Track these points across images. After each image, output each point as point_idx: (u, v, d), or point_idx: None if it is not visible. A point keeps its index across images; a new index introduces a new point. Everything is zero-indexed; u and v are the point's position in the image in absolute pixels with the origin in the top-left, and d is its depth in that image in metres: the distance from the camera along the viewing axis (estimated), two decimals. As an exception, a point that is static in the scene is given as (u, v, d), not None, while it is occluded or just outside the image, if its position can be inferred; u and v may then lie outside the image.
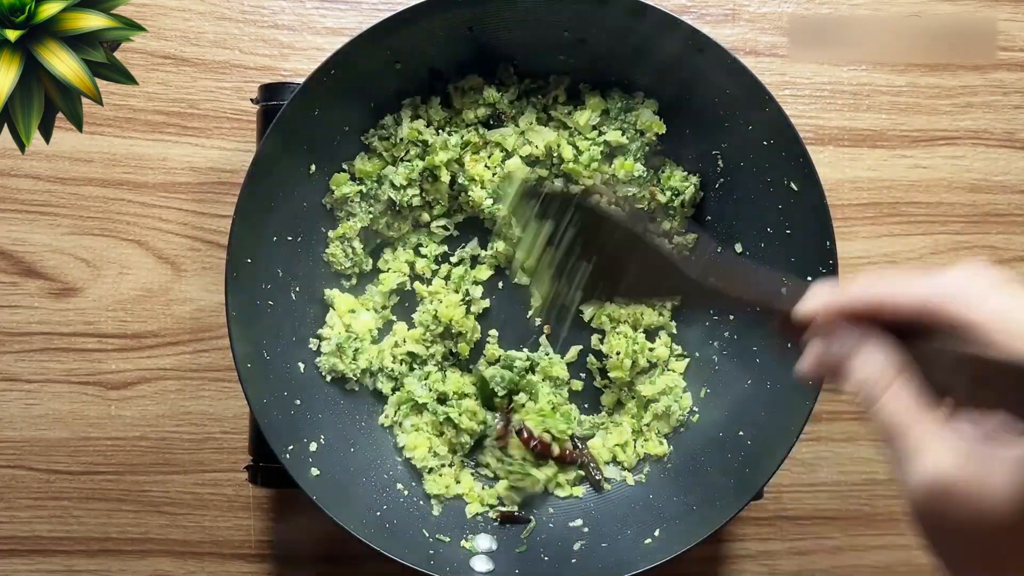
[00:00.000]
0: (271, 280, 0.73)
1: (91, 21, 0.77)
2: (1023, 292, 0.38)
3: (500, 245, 0.78)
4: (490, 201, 0.76)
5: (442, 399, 0.77)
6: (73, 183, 0.80)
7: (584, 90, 0.78)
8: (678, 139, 0.77)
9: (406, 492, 0.76)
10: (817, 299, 0.44)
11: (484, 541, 0.75)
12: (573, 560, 0.73)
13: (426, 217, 0.79)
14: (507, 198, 0.68)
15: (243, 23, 0.81)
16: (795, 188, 0.70)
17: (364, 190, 0.76)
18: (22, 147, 0.79)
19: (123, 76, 0.79)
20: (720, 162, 0.76)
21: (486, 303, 0.79)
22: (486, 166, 0.77)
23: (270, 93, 0.74)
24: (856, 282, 0.43)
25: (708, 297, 0.51)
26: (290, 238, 0.74)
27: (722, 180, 0.76)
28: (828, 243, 0.69)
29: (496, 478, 0.78)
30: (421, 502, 0.76)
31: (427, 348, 0.78)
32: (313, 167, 0.74)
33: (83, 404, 0.80)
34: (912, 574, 0.82)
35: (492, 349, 0.79)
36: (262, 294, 0.72)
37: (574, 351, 0.80)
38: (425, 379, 0.78)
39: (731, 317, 0.77)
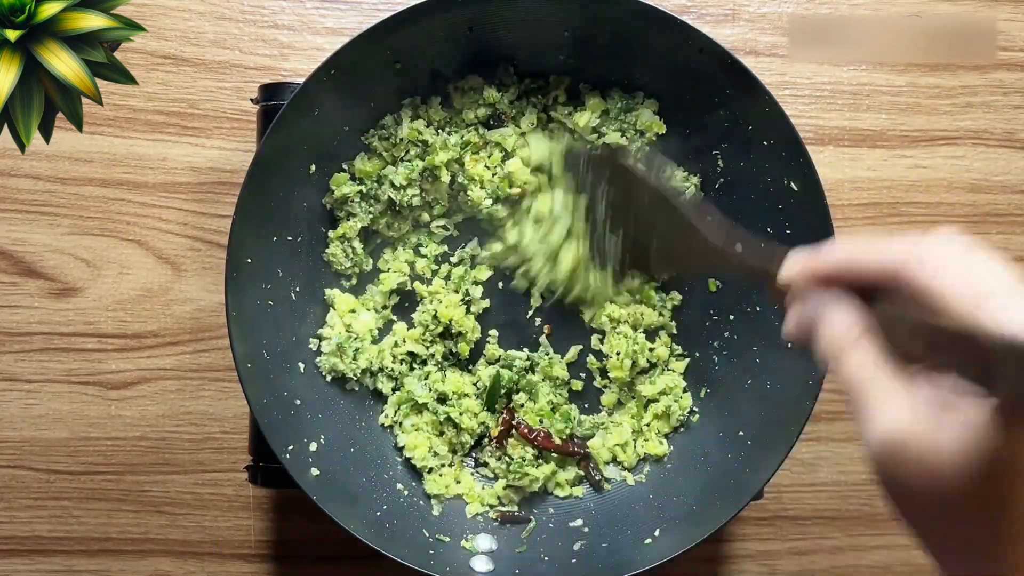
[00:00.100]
0: (271, 280, 0.73)
1: (91, 21, 0.77)
2: (988, 260, 0.38)
3: (497, 247, 0.78)
4: (490, 201, 0.76)
5: (442, 399, 0.77)
6: (73, 183, 0.80)
7: (584, 90, 0.78)
8: (678, 139, 0.77)
9: (406, 492, 0.76)
10: (793, 264, 0.45)
11: (484, 541, 0.75)
12: (573, 560, 0.73)
13: (426, 217, 0.79)
14: (555, 169, 0.68)
15: (243, 23, 0.81)
16: (795, 188, 0.70)
17: (364, 190, 0.76)
18: (22, 147, 0.79)
19: (123, 76, 0.79)
20: (720, 162, 0.76)
21: (486, 303, 0.79)
22: (486, 166, 0.77)
23: (270, 93, 0.74)
24: (830, 246, 0.44)
25: (730, 265, 0.52)
26: (290, 238, 0.74)
27: (722, 180, 0.76)
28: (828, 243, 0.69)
29: (496, 478, 0.78)
30: (421, 502, 0.76)
31: (427, 348, 0.78)
32: (313, 167, 0.74)
33: (83, 404, 0.80)
34: (912, 574, 0.82)
35: (492, 349, 0.79)
36: (262, 294, 0.72)
37: (574, 351, 0.80)
38: (425, 379, 0.78)
39: (731, 317, 0.77)
